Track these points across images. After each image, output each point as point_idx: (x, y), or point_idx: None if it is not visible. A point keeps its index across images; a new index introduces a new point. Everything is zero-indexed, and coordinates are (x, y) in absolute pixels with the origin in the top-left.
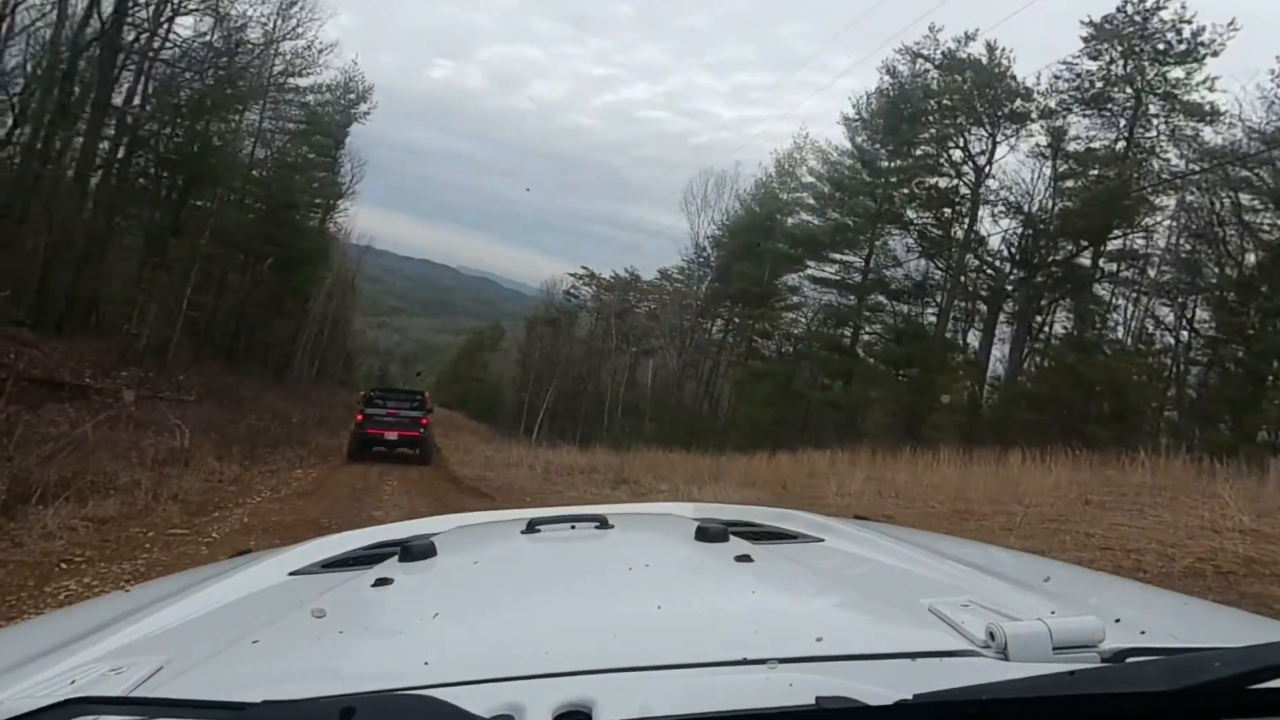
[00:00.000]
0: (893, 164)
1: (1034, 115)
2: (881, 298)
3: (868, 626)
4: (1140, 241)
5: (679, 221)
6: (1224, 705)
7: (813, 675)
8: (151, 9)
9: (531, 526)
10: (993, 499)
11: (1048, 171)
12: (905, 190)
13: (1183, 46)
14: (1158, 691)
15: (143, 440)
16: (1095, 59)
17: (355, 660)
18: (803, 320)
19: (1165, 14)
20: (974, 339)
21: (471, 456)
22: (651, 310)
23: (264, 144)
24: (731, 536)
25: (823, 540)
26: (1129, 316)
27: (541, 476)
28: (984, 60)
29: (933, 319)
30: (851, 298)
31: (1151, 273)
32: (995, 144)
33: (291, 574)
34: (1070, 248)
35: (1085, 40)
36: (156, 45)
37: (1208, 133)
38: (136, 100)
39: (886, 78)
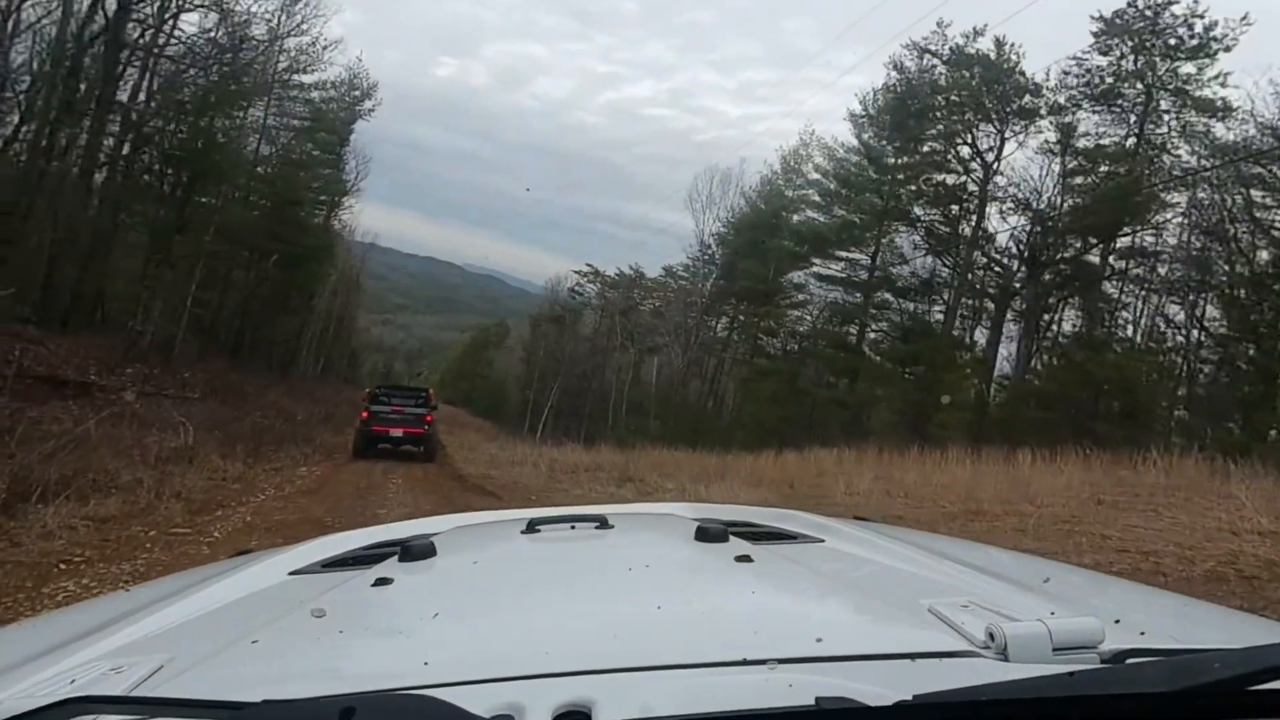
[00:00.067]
0: (900, 160)
1: (1043, 111)
2: (888, 295)
3: (867, 627)
4: (1150, 238)
5: (684, 219)
6: (1224, 706)
7: (812, 675)
8: (156, 5)
9: (531, 526)
10: (1003, 499)
11: (1056, 168)
12: (912, 187)
13: (1194, 41)
14: (1157, 693)
15: (146, 438)
16: (1105, 54)
17: (355, 660)
18: (808, 318)
19: (1177, 8)
20: (981, 337)
21: (476, 454)
22: (656, 308)
23: (269, 141)
24: (731, 537)
25: (823, 541)
26: (1139, 314)
27: (546, 475)
28: (992, 56)
29: (939, 317)
30: (857, 295)
31: (1162, 270)
32: (1003, 140)
33: (291, 574)
34: (1079, 245)
35: (1095, 35)
36: (161, 42)
37: (1219, 128)
38: (141, 97)
39: (893, 73)
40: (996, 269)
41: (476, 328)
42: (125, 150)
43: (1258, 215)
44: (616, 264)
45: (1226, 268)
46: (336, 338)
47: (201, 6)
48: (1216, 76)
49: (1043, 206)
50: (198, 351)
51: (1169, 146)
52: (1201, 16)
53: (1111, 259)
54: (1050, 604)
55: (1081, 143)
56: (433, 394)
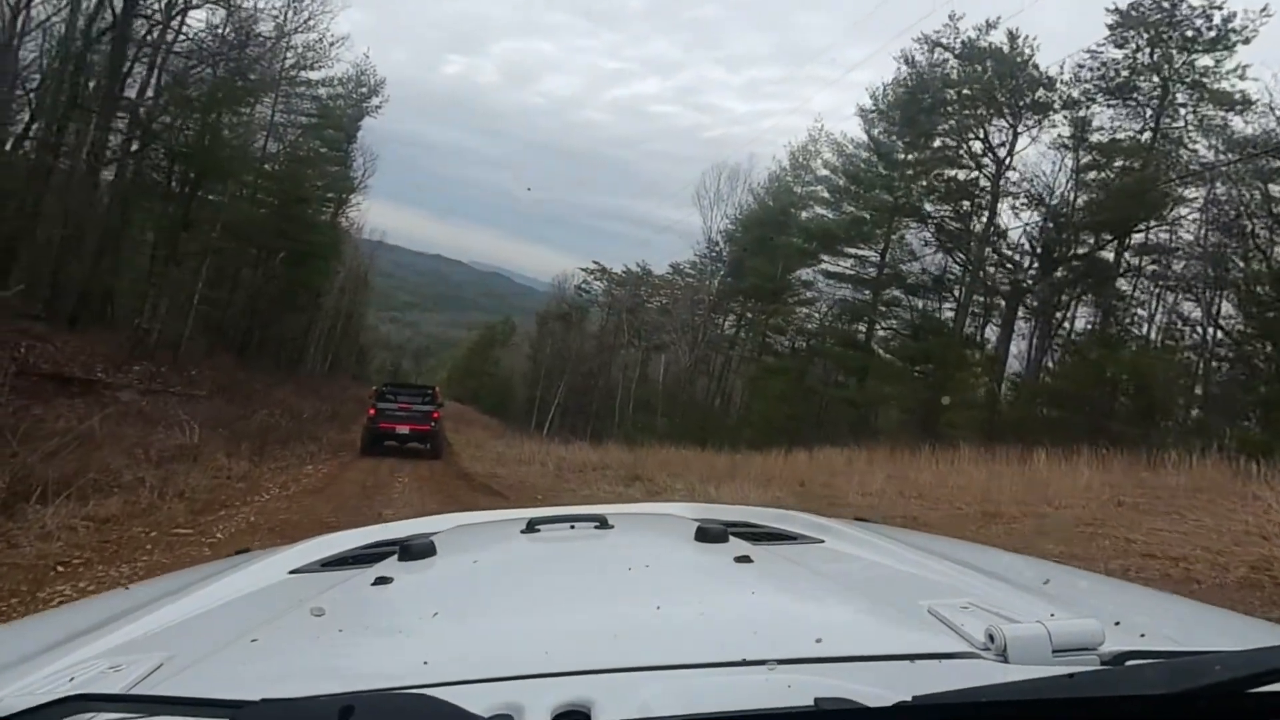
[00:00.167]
0: (910, 156)
1: (1057, 105)
2: (898, 292)
3: (867, 628)
4: (1166, 235)
5: (691, 216)
6: (1224, 709)
7: (812, 676)
8: (163, 1)
9: (531, 526)
10: (1020, 500)
11: (1070, 163)
12: (923, 183)
13: (1212, 33)
14: (1157, 694)
15: (151, 436)
16: (1121, 47)
17: (354, 659)
18: (817, 315)
19: (1194, 0)
20: (992, 335)
21: (483, 452)
22: (663, 305)
23: (276, 138)
24: (731, 537)
25: (822, 541)
26: (1154, 312)
27: (554, 473)
28: (1005, 49)
29: (950, 314)
30: (867, 293)
31: (1177, 267)
32: (1016, 135)
33: (291, 572)
34: (1093, 241)
35: (1111, 28)
36: (169, 38)
37: (1237, 122)
38: (149, 93)
39: (904, 68)
40: (1008, 265)
41: (483, 325)
42: (133, 147)
43: (1276, 211)
44: (623, 261)
45: (1243, 264)
46: (344, 335)
47: (209, 3)
48: (1235, 69)
49: (1056, 202)
50: (205, 349)
51: (1185, 141)
52: (1220, 8)
53: (1126, 255)
54: (1050, 605)
55: (1096, 137)
56: (439, 391)
